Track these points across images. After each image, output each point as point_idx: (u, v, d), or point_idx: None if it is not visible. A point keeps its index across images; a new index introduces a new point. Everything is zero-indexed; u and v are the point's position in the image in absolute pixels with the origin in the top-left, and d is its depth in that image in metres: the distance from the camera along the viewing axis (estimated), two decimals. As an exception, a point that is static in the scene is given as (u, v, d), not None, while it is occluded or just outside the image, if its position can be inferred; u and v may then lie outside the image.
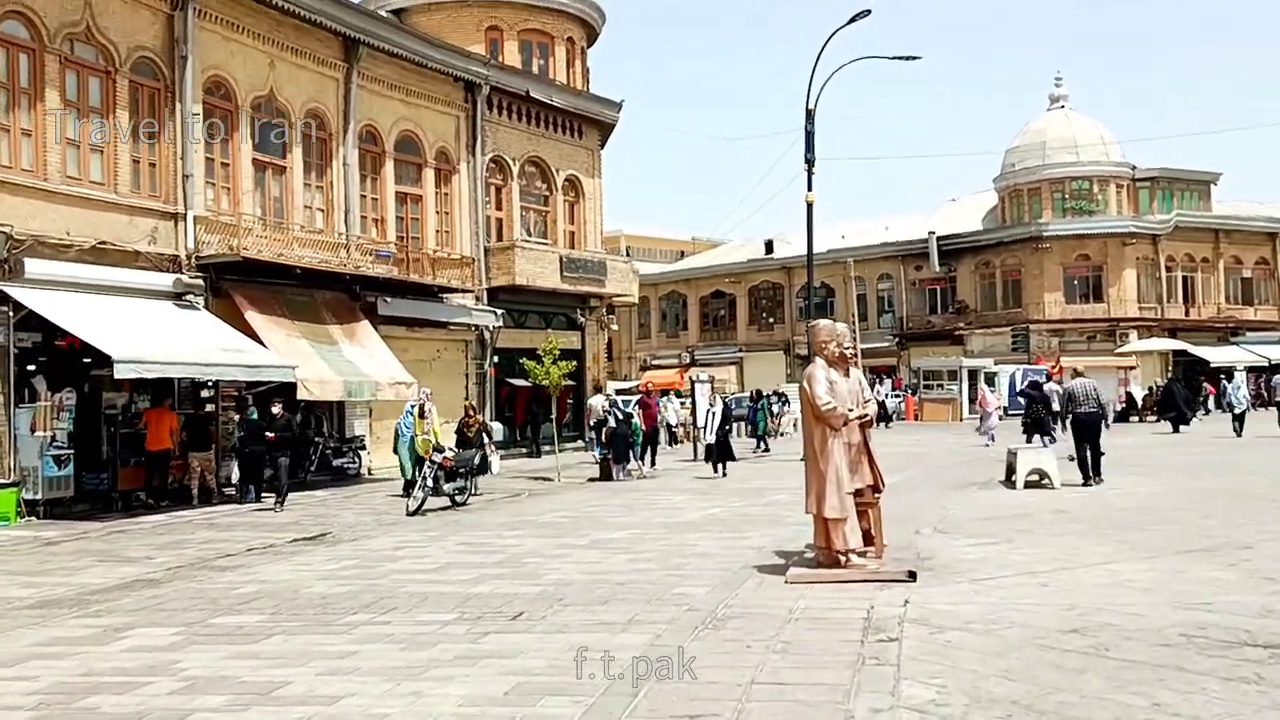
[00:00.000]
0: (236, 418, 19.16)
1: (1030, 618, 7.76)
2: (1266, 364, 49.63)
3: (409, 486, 18.02)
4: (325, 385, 20.62)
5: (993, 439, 27.63)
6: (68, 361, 17.53)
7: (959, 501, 15.72)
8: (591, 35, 33.77)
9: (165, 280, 19.27)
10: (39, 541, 14.20)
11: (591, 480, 21.92)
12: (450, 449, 17.92)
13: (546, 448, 26.28)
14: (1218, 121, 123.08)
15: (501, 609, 8.68)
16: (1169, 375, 45.68)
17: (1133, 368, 48.52)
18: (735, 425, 28.89)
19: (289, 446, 17.71)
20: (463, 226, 27.87)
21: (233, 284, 20.64)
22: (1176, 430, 32.46)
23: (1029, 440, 23.19)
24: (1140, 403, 42.29)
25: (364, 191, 25.01)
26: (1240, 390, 30.65)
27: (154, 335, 17.44)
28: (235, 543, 13.63)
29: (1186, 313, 52.69)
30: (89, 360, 17.29)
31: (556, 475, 22.15)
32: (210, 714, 6.02)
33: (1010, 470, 17.86)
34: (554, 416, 24.54)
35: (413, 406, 21.02)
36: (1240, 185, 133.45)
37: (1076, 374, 18.56)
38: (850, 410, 9.91)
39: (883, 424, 40.94)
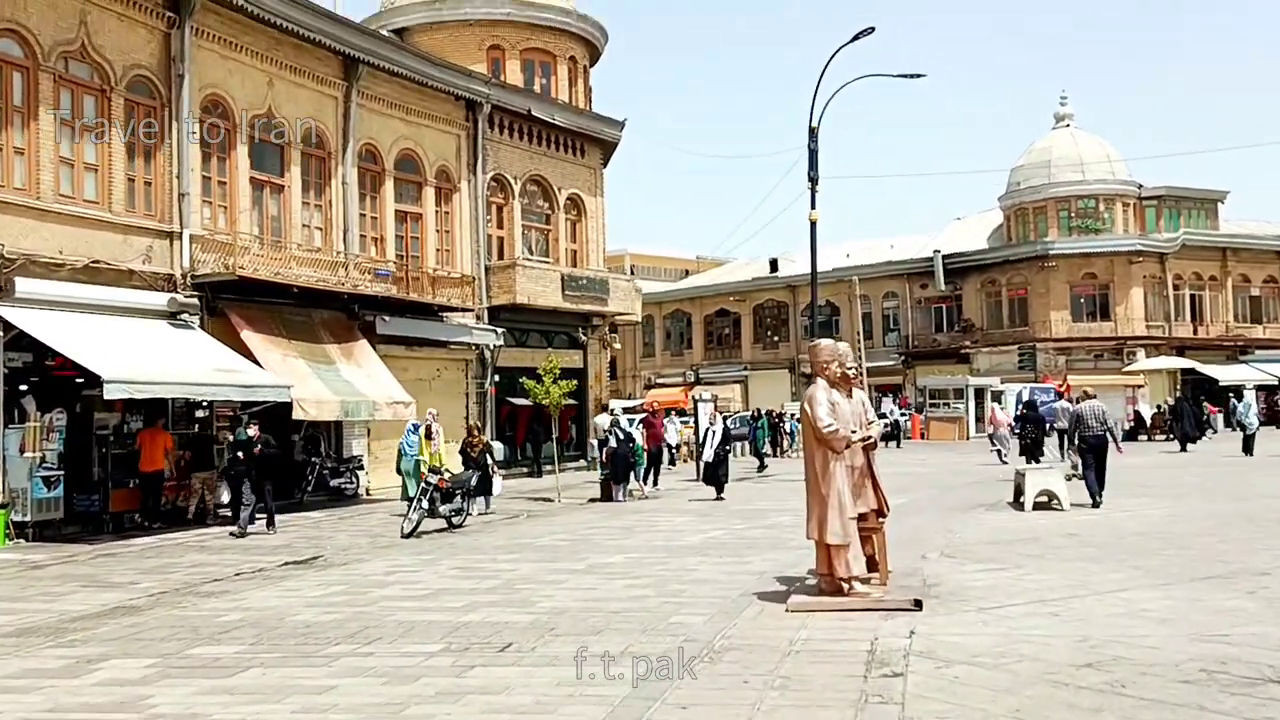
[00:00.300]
0: (230, 439, 18.84)
1: (1041, 650, 7.41)
2: (1275, 382, 49.26)
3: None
4: (322, 405, 20.34)
5: (1003, 455, 27.44)
6: (59, 382, 17.26)
7: (966, 524, 15.37)
8: (594, 54, 33.62)
9: (160, 299, 19.02)
10: (25, 565, 13.89)
11: (592, 501, 21.58)
12: (446, 470, 17.60)
13: (548, 467, 25.96)
14: (1225, 139, 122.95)
15: (490, 639, 8.35)
16: (1178, 394, 45.32)
17: (1140, 386, 48.11)
18: (736, 444, 28.61)
19: (268, 468, 16.91)
20: (463, 245, 27.65)
21: (229, 303, 20.38)
22: (1183, 449, 32.20)
23: (1028, 461, 23.08)
24: (1149, 421, 41.92)
25: (363, 210, 24.79)
26: (1251, 409, 30.29)
27: (146, 355, 17.18)
28: (224, 566, 13.31)
29: (1194, 331, 52.32)
30: (81, 380, 17.04)
31: (557, 496, 21.82)
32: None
33: (1018, 491, 17.51)
34: (555, 436, 24.25)
35: (416, 426, 20.76)
36: (1248, 203, 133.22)
37: (1086, 396, 18.34)
38: (853, 432, 9.60)
39: (892, 443, 40.66)
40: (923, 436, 45.20)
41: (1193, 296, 52.93)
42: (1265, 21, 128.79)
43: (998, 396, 42.63)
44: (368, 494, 23.32)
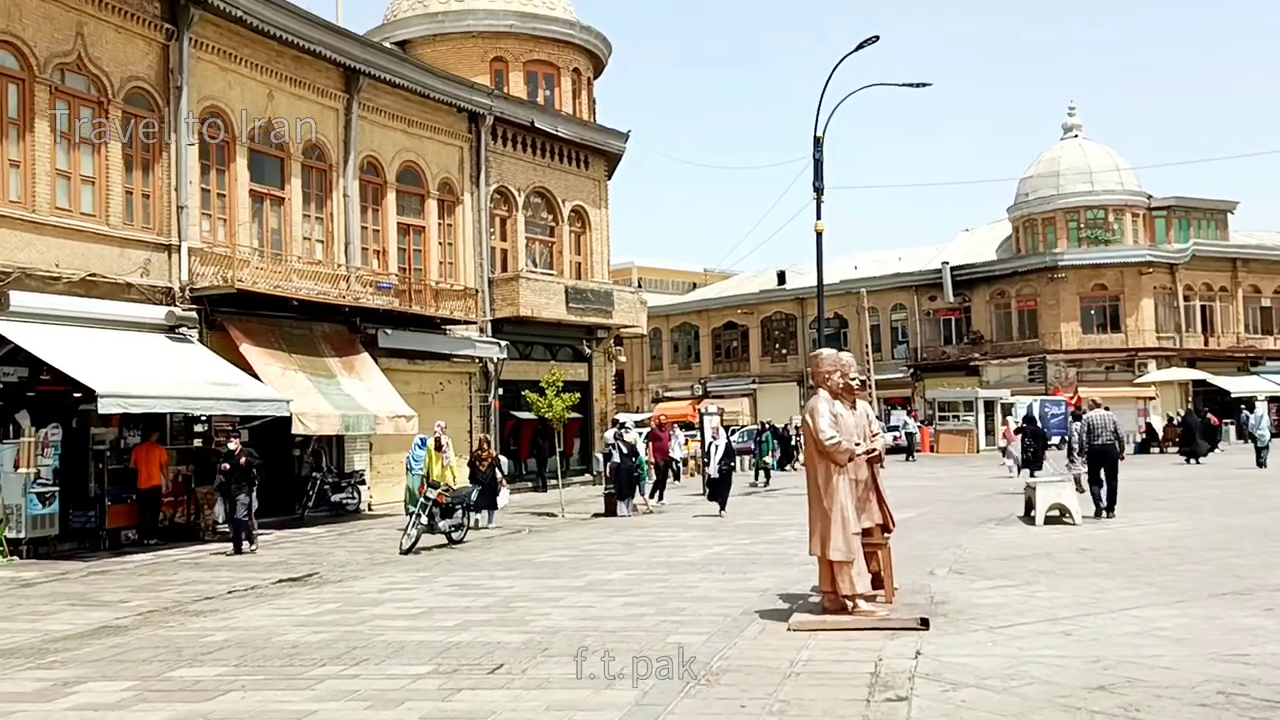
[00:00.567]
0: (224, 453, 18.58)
1: (1053, 672, 7.11)
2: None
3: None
4: (322, 420, 20.11)
5: (1015, 469, 27.07)
6: (55, 396, 17.05)
7: (976, 539, 15.04)
8: (598, 66, 33.46)
9: (157, 313, 18.82)
10: (16, 583, 13.65)
11: (596, 516, 21.29)
12: (445, 485, 17.33)
13: (553, 482, 25.68)
14: (1234, 149, 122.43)
15: (480, 661, 8.06)
16: (1188, 407, 44.91)
17: (1152, 398, 47.71)
18: (741, 458, 28.26)
19: (251, 481, 16.34)
20: (466, 257, 27.45)
21: (228, 317, 20.19)
22: (1195, 462, 31.85)
23: (1030, 475, 22.81)
24: (1161, 433, 41.51)
25: (365, 223, 24.61)
26: (1263, 421, 29.92)
27: (142, 369, 16.97)
28: (217, 584, 13.06)
29: (1205, 342, 51.90)
30: (79, 395, 16.83)
31: (560, 511, 21.55)
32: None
33: (1029, 505, 17.18)
34: (560, 450, 23.99)
35: (424, 440, 20.50)
36: (1258, 213, 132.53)
37: (1094, 405, 18.14)
38: (857, 445, 9.31)
39: (905, 456, 40.32)
40: (932, 449, 44.81)
41: (1203, 307, 52.52)
42: (1275, 30, 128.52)
43: (1008, 410, 42.25)
44: (370, 509, 23.07)
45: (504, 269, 28.66)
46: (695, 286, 77.66)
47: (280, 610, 10.93)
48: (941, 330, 55.09)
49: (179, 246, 19.48)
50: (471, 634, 9.15)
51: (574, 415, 26.86)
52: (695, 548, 15.31)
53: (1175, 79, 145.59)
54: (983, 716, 6.16)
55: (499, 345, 27.30)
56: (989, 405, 45.56)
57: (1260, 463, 27.92)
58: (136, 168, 19.08)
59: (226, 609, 11.14)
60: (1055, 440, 32.23)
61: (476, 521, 18.86)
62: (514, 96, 29.48)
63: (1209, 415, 43.13)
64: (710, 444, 21.91)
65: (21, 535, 16.08)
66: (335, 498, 22.37)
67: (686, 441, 32.66)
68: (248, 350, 19.97)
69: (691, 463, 32.48)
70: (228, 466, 16.27)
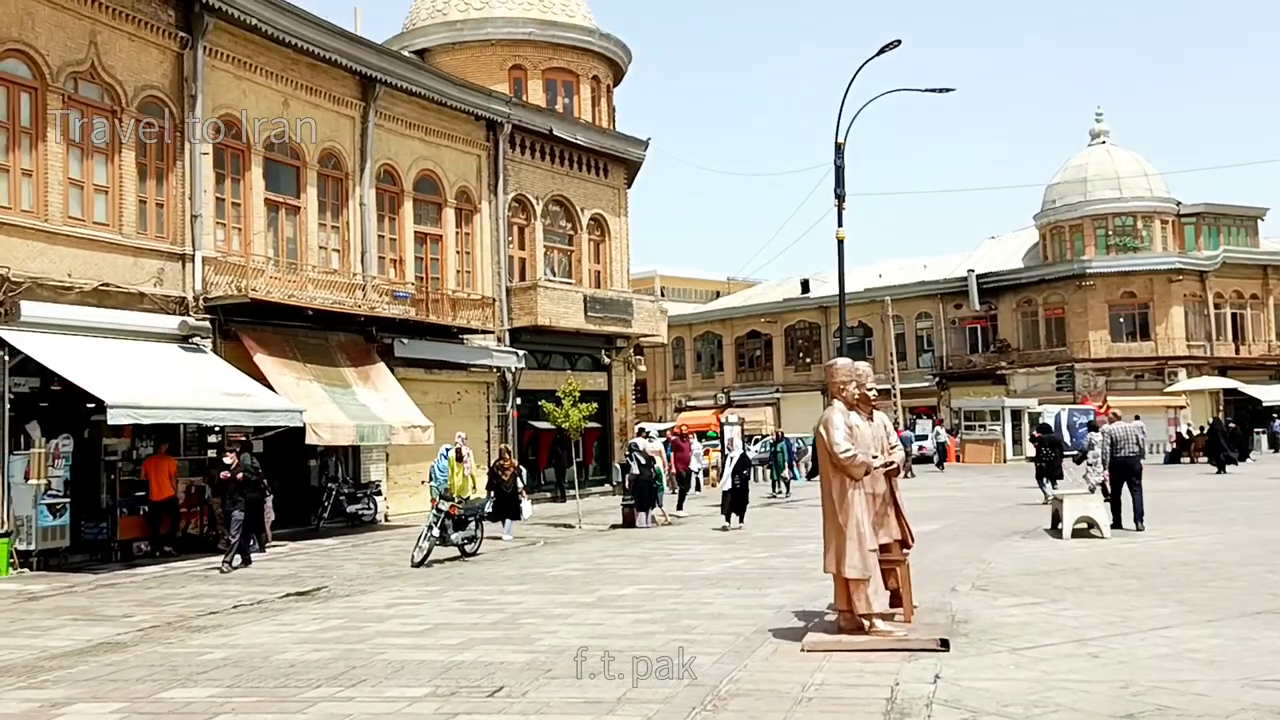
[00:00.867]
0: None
1: (1079, 699, 6.74)
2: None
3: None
4: (336, 430, 19.91)
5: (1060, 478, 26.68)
6: (67, 407, 16.92)
7: (1001, 553, 14.63)
8: (617, 74, 33.24)
9: (170, 323, 18.68)
10: (22, 596, 13.49)
11: (614, 527, 20.98)
12: (458, 497, 17.08)
13: (571, 492, 25.41)
14: (1263, 154, 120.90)
15: (480, 682, 7.77)
16: (1217, 415, 44.19)
17: (1182, 407, 46.94)
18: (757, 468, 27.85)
19: (245, 496, 16.02)
20: (484, 266, 27.25)
21: (242, 326, 20.03)
22: (1222, 470, 31.40)
23: (1041, 486, 22.45)
24: (1191, 443, 40.85)
25: (382, 231, 24.45)
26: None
27: (153, 379, 16.81)
28: (224, 598, 12.83)
29: (1236, 351, 51.12)
30: (92, 405, 16.67)
31: (577, 522, 21.27)
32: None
33: (1056, 518, 16.75)
34: (578, 460, 23.70)
35: (448, 450, 20.30)
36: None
37: (1116, 417, 17.88)
38: (874, 457, 8.96)
39: (937, 465, 39.83)
40: (958, 459, 44.26)
41: (1234, 315, 51.74)
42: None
43: (1035, 420, 41.68)
44: (386, 520, 22.85)
45: (522, 278, 28.44)
46: (719, 295, 77.26)
47: (283, 626, 10.68)
48: (967, 339, 54.50)
49: (193, 256, 19.35)
50: (474, 653, 8.86)
51: (593, 425, 26.62)
52: (712, 561, 14.98)
53: (1204, 84, 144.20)
54: (1003, 748, 5.82)
55: (517, 355, 27.06)
56: (1016, 414, 44.96)
57: (1295, 473, 27.32)
58: (150, 177, 18.98)
59: (229, 624, 10.90)
60: (1074, 451, 31.68)
61: (502, 529, 18.80)
62: (532, 104, 29.29)
63: (1231, 424, 42.52)
64: (724, 456, 21.60)
65: (32, 547, 15.95)
66: (351, 509, 22.17)
67: (706, 451, 32.32)
68: (262, 360, 19.81)
69: (713, 473, 32.15)
70: (226, 475, 16.01)
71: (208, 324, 19.24)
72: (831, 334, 57.36)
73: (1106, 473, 17.08)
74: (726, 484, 20.10)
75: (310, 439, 19.31)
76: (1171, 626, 9.05)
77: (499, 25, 30.28)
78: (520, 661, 8.46)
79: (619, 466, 25.98)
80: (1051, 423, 41.41)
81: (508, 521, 19.16)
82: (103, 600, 13.05)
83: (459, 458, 20.32)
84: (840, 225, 24.29)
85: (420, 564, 15.28)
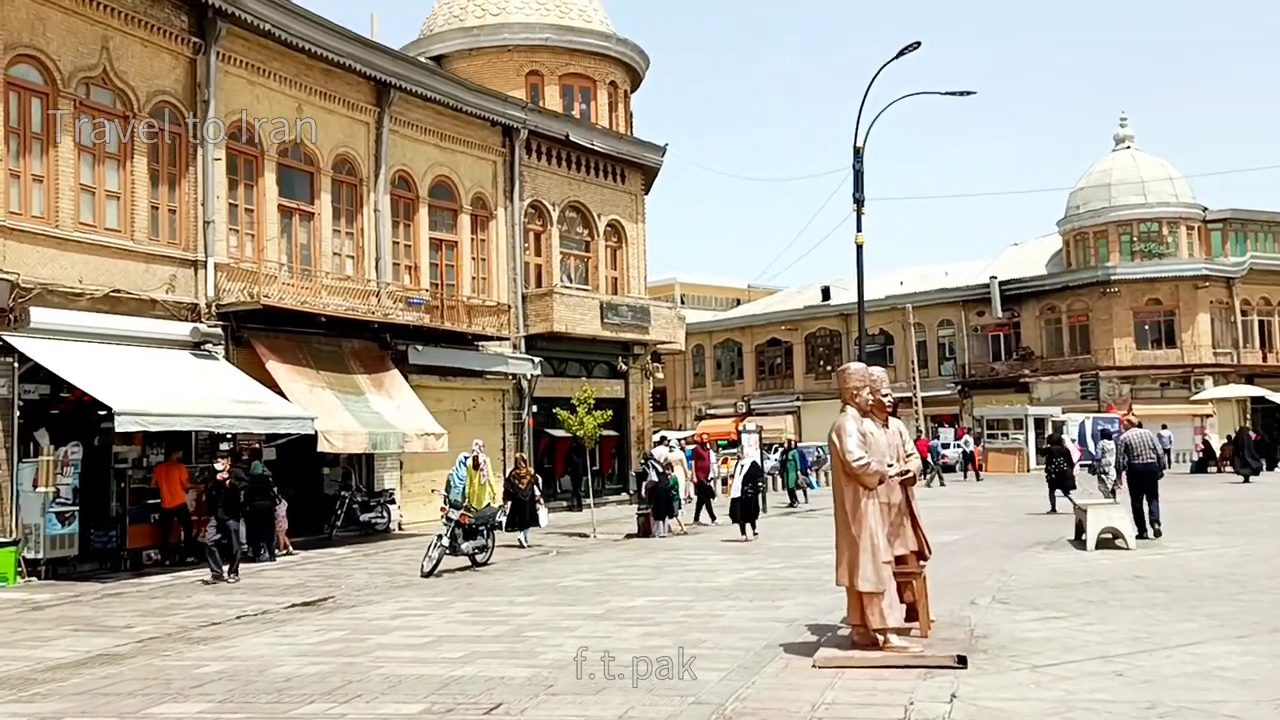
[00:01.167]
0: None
1: (1102, 721, 6.42)
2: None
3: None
4: (349, 437, 19.74)
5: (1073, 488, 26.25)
6: (77, 414, 16.81)
7: (1023, 565, 14.26)
8: (635, 79, 33.05)
9: (182, 329, 18.56)
10: (27, 605, 13.32)
11: (630, 536, 20.71)
12: (469, 505, 16.85)
13: (587, 501, 25.15)
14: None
15: (479, 698, 7.51)
16: (1242, 424, 43.52)
17: (1209, 415, 46.26)
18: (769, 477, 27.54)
19: (237, 505, 15.80)
20: (500, 273, 27.06)
21: (254, 333, 19.90)
22: (1246, 480, 30.90)
23: (1051, 495, 22.12)
24: (1219, 452, 40.22)
25: (396, 238, 24.29)
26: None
27: (164, 386, 16.66)
28: (229, 608, 12.63)
29: (1264, 358, 50.39)
30: (103, 413, 16.53)
31: (592, 531, 21.00)
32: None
33: (1080, 529, 16.35)
34: (594, 468, 23.44)
35: (465, 458, 20.10)
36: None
37: (1132, 425, 17.54)
38: (889, 466, 8.66)
39: (964, 474, 39.37)
40: (980, 468, 43.72)
41: (1261, 322, 51.03)
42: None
43: (1059, 427, 41.14)
44: (400, 528, 22.65)
45: (538, 284, 28.23)
46: (739, 302, 76.94)
47: (284, 638, 10.45)
48: (990, 346, 53.96)
49: (205, 262, 19.22)
50: (476, 667, 8.60)
51: (609, 433, 26.36)
52: (726, 572, 14.67)
53: (1230, 86, 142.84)
54: (1022, 774, 5.50)
55: (532, 362, 26.85)
56: (1039, 423, 44.40)
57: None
58: (162, 182, 18.88)
59: (230, 636, 10.69)
60: (1088, 461, 31.17)
61: (520, 540, 18.79)
62: (548, 110, 29.11)
63: (1250, 432, 41.87)
64: (737, 465, 21.32)
65: (40, 555, 15.80)
66: (364, 517, 21.97)
67: (723, 460, 32.01)
68: (274, 367, 19.67)
69: (730, 482, 31.83)
70: (223, 475, 15.75)
71: (220, 330, 19.11)
72: (853, 342, 56.91)
73: (1121, 477, 16.77)
74: (736, 492, 19.81)
75: (322, 446, 19.13)
76: (1200, 642, 8.69)
77: (516, 31, 30.16)
78: (522, 676, 8.20)
79: (635, 475, 25.68)
80: (1076, 432, 41.03)
81: (526, 530, 18.99)
82: (107, 610, 12.87)
83: (475, 465, 20.11)
84: (860, 230, 23.97)
85: (430, 574, 15.05)
